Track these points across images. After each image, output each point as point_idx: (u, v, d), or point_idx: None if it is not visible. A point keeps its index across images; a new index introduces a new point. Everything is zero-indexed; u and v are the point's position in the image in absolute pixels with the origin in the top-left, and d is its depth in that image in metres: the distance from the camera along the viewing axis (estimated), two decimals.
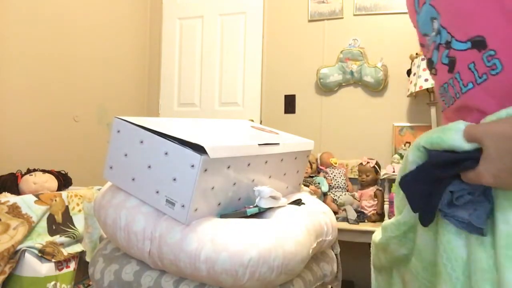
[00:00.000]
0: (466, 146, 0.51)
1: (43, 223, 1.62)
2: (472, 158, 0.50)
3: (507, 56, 0.49)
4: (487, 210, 0.51)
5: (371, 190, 2.46)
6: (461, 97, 0.55)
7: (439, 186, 0.54)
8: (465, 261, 0.53)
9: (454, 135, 0.52)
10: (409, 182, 0.57)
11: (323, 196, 2.52)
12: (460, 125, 0.52)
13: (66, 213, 1.73)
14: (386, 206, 2.35)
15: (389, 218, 2.52)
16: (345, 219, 2.31)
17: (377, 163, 2.52)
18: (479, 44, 0.51)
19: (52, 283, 1.57)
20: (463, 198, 0.53)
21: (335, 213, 2.32)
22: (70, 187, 2.01)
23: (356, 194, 2.52)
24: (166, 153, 1.01)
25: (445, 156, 0.53)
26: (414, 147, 0.58)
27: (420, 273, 0.62)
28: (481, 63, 0.51)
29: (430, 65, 0.59)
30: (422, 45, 0.63)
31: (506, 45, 0.49)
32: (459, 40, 0.53)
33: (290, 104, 2.95)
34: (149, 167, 1.04)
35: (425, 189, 0.55)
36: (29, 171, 1.92)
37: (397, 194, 0.67)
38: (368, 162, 2.51)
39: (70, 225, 1.72)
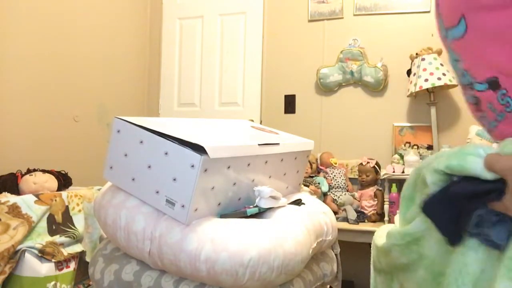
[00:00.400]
0: (489, 176, 0.52)
1: (43, 223, 1.62)
2: (496, 189, 0.51)
3: None
4: (509, 228, 0.52)
5: (371, 190, 2.46)
6: (492, 132, 0.59)
7: (467, 210, 0.55)
8: (477, 277, 0.53)
9: (475, 163, 0.53)
10: (435, 206, 0.58)
11: (323, 196, 2.52)
12: (480, 151, 0.53)
13: (66, 213, 1.73)
14: (386, 206, 2.35)
15: (389, 218, 2.49)
16: (345, 219, 2.31)
17: (377, 163, 2.52)
18: (494, 84, 0.55)
19: (52, 283, 1.57)
20: (491, 220, 0.54)
21: (335, 213, 2.32)
22: (70, 187, 2.01)
23: (356, 194, 2.52)
24: (166, 153, 1.01)
25: (470, 188, 0.53)
26: (432, 170, 0.58)
27: (428, 285, 0.63)
28: (497, 102, 0.55)
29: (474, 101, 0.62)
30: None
31: None
32: (479, 82, 0.56)
33: (290, 104, 2.95)
34: (149, 167, 1.04)
35: (453, 212, 0.56)
36: (29, 171, 1.92)
37: (406, 206, 0.67)
38: (368, 162, 2.50)
39: (70, 225, 1.72)
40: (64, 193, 1.75)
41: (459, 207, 0.55)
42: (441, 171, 0.57)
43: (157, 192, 1.03)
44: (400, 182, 2.30)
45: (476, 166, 0.52)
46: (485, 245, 0.53)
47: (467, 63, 0.58)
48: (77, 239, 1.73)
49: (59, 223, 1.68)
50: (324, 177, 2.60)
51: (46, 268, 1.56)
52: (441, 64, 2.40)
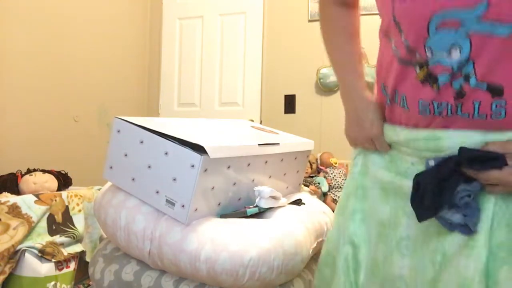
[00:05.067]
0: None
1: (43, 223, 1.62)
2: (499, 158, 0.57)
3: None
4: (478, 215, 0.59)
5: None
6: (449, 116, 0.62)
7: (450, 185, 0.60)
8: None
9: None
10: (426, 178, 0.62)
11: (323, 196, 2.52)
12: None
13: (66, 213, 1.72)
14: None
15: None
16: None
17: None
18: (495, 90, 0.56)
19: (52, 283, 1.57)
20: (463, 200, 0.59)
21: None
22: (70, 187, 2.01)
23: None
24: (166, 153, 1.01)
25: (477, 152, 0.59)
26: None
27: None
28: (488, 106, 0.57)
29: (432, 79, 0.62)
30: (411, 48, 0.64)
31: None
32: (478, 80, 0.57)
33: (290, 104, 2.95)
34: (149, 167, 1.04)
35: (438, 186, 0.61)
36: (29, 171, 1.92)
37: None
38: None
39: (70, 225, 1.72)
40: (64, 193, 1.75)
41: (447, 179, 0.61)
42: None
43: (157, 192, 1.03)
44: None
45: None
46: (460, 232, 0.61)
47: (481, 59, 0.57)
48: (77, 239, 1.73)
49: (59, 223, 1.68)
50: (324, 177, 2.60)
51: (46, 268, 1.55)
52: None
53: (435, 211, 0.62)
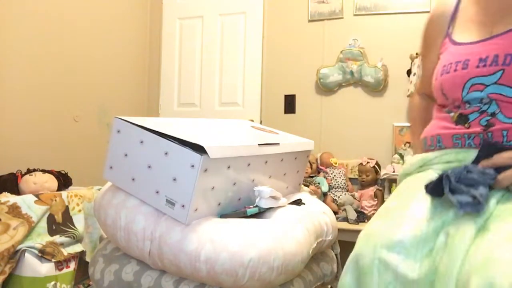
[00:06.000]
0: None
1: (43, 223, 1.62)
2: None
3: None
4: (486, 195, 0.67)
5: (371, 190, 2.45)
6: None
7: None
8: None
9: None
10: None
11: (323, 196, 2.52)
12: None
13: (66, 213, 1.72)
14: None
15: None
16: (345, 219, 2.31)
17: (377, 163, 2.52)
18: None
19: (52, 283, 1.57)
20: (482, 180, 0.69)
21: (335, 213, 2.32)
22: (70, 187, 2.01)
23: (356, 194, 2.52)
24: (166, 153, 1.01)
25: (500, 145, 0.72)
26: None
27: None
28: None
29: (463, 119, 0.83)
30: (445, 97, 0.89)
31: None
32: (505, 116, 0.77)
33: (290, 104, 2.95)
34: (149, 167, 1.04)
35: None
36: (29, 171, 1.92)
37: None
38: (368, 162, 2.50)
39: (70, 225, 1.72)
40: (64, 193, 1.75)
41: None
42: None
43: (157, 192, 1.03)
44: None
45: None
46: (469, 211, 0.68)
47: (502, 101, 0.78)
48: (77, 239, 1.73)
49: (59, 223, 1.68)
50: (324, 177, 2.60)
51: (46, 268, 1.55)
52: None
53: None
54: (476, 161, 0.73)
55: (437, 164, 0.85)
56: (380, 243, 0.72)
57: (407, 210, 0.76)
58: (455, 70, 0.85)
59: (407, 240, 0.70)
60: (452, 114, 0.85)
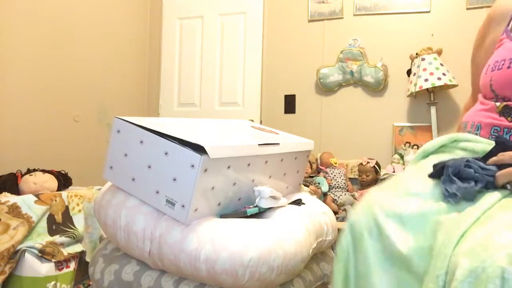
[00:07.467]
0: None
1: (43, 223, 1.62)
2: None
3: None
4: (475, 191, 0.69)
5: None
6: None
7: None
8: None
9: None
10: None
11: (323, 196, 2.52)
12: None
13: (66, 213, 1.72)
14: None
15: None
16: (345, 219, 2.31)
17: (377, 163, 2.52)
18: None
19: (52, 283, 1.57)
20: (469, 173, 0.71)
21: (335, 213, 2.32)
22: (70, 187, 2.01)
23: (356, 194, 2.52)
24: (166, 153, 1.01)
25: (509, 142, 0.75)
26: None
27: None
28: None
29: (508, 112, 0.83)
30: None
31: None
32: None
33: (290, 104, 2.95)
34: (149, 167, 1.04)
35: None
36: (29, 171, 1.92)
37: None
38: (368, 162, 2.50)
39: (70, 225, 1.72)
40: (64, 193, 1.75)
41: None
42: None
43: (157, 192, 1.03)
44: None
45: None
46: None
47: None
48: (77, 239, 1.73)
49: (59, 223, 1.68)
50: (324, 177, 2.60)
51: (46, 268, 1.55)
52: (441, 64, 2.40)
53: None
54: (489, 156, 0.74)
55: (456, 149, 0.86)
56: (380, 209, 0.74)
57: (416, 186, 0.77)
58: (508, 67, 0.84)
59: (407, 214, 0.71)
60: (498, 104, 0.85)
